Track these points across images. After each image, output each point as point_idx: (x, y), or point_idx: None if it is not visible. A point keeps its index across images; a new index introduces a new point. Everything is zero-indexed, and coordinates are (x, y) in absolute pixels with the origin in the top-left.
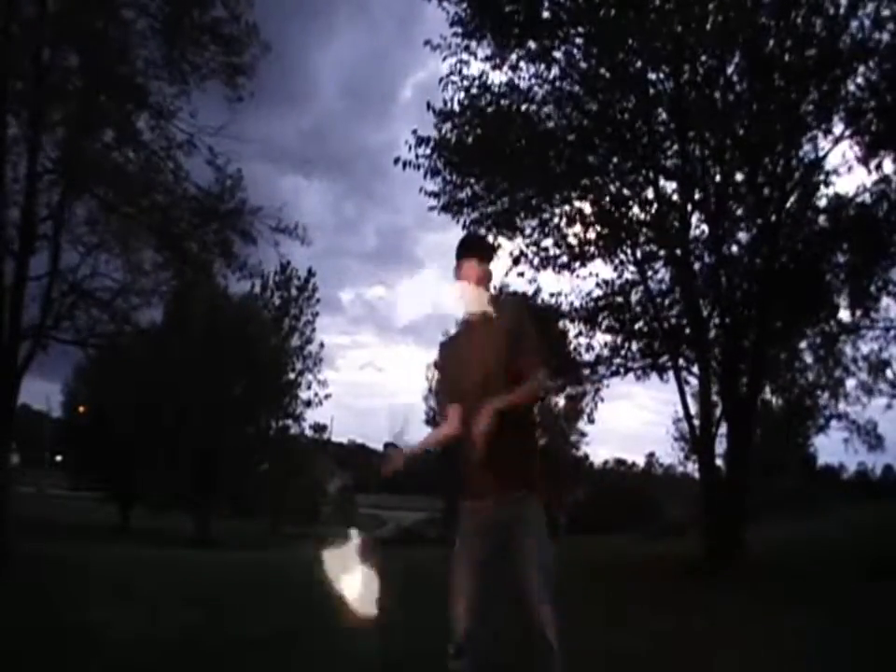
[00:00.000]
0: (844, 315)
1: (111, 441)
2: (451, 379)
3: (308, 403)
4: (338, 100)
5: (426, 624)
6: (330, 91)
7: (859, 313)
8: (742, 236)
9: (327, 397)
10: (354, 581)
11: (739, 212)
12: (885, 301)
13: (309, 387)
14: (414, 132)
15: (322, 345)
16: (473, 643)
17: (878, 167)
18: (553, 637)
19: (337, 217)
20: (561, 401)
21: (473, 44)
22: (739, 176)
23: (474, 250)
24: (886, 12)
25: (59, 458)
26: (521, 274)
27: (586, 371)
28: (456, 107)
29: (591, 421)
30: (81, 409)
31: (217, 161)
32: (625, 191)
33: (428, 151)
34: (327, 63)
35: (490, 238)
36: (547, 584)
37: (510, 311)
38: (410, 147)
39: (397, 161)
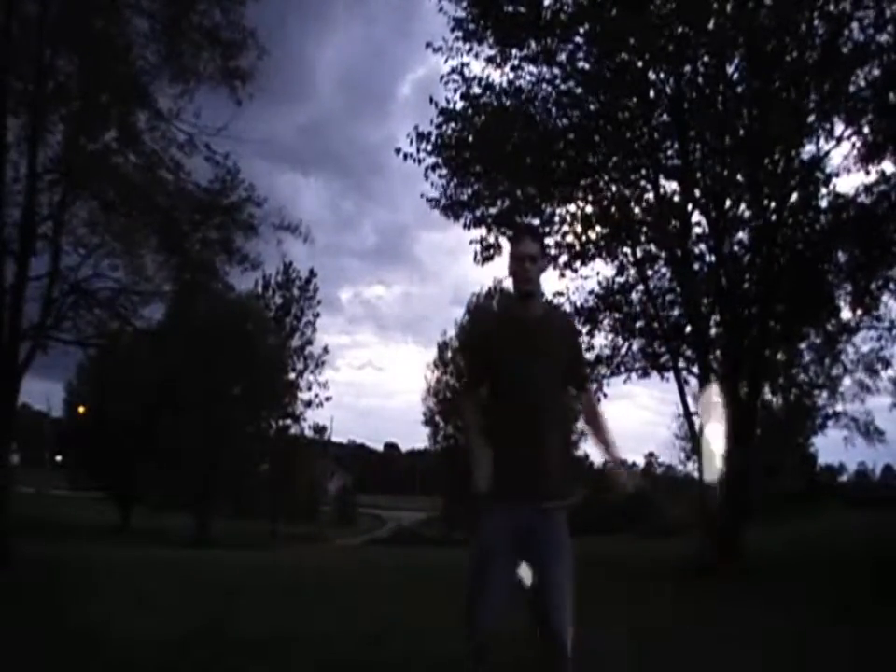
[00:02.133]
0: (845, 314)
1: (111, 440)
2: (498, 361)
3: (308, 404)
4: (335, 96)
5: (425, 626)
6: (328, 88)
7: (859, 312)
8: (742, 236)
9: (327, 399)
10: None
11: (740, 212)
12: (885, 299)
13: (309, 388)
14: (416, 128)
15: (326, 349)
16: (491, 645)
17: (879, 167)
18: (569, 644)
19: (335, 214)
20: None
21: (475, 46)
22: (740, 176)
23: (535, 234)
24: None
25: (59, 458)
26: None
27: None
28: (458, 105)
29: None
30: (81, 409)
31: (216, 157)
32: (626, 191)
33: (430, 148)
34: (324, 59)
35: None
36: (569, 596)
37: (568, 322)
38: (411, 141)
39: (398, 151)
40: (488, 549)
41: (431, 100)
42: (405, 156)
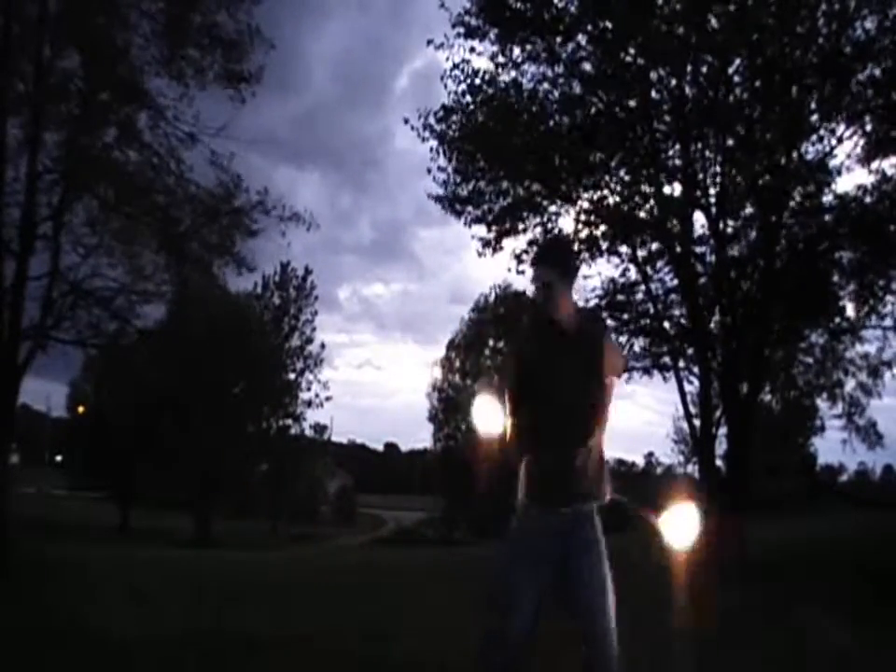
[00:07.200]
0: (849, 313)
1: (112, 441)
2: (530, 382)
3: (308, 403)
4: (331, 88)
5: (428, 626)
6: (323, 79)
7: (862, 312)
8: (744, 236)
9: (328, 399)
10: None
11: (741, 212)
12: (890, 299)
13: (309, 388)
14: (433, 112)
15: (323, 346)
16: (507, 637)
17: (879, 168)
18: (613, 645)
19: (332, 210)
20: None
21: (477, 43)
22: (741, 178)
23: (553, 259)
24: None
25: (59, 458)
26: (521, 272)
27: None
28: (465, 99)
29: None
30: (81, 409)
31: (219, 159)
32: (628, 190)
33: (436, 126)
34: (319, 50)
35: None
36: (607, 596)
37: (594, 324)
38: (420, 115)
39: (406, 120)
40: (521, 549)
41: (441, 78)
42: (412, 128)
